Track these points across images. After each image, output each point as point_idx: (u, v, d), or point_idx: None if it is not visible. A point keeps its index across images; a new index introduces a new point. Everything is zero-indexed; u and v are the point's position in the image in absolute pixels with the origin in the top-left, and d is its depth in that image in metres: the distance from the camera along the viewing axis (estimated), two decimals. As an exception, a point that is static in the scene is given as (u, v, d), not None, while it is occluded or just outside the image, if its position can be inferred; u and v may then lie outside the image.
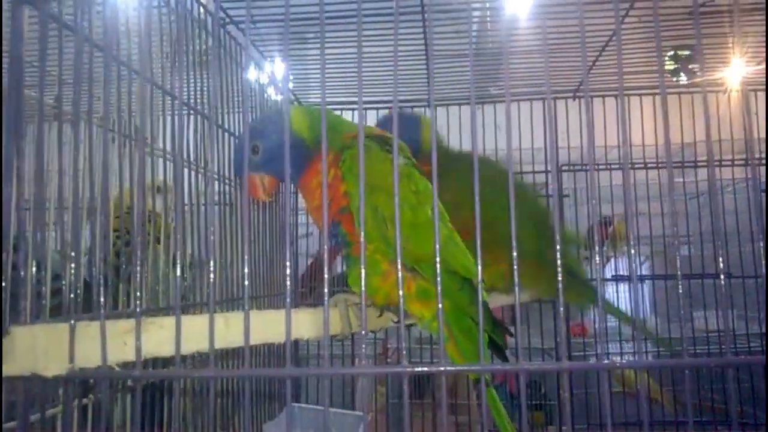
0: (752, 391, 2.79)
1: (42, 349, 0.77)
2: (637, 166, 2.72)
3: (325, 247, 0.85)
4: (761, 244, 0.82)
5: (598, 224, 3.46)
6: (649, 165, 2.75)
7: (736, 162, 2.83)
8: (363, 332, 0.76)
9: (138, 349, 0.77)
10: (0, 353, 0.75)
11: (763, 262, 0.81)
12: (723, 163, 2.82)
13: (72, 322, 0.78)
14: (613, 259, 3.72)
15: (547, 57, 0.85)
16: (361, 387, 2.84)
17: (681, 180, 3.04)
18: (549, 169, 2.71)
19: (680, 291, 0.82)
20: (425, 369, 0.76)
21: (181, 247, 1.02)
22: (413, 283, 1.24)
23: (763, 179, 3.00)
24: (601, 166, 2.73)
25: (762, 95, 2.76)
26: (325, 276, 0.76)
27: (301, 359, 3.42)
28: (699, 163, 2.83)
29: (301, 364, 3.22)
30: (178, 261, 0.86)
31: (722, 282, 0.87)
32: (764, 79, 2.75)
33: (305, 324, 1.10)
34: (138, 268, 0.87)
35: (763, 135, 2.80)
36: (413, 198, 1.23)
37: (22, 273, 0.82)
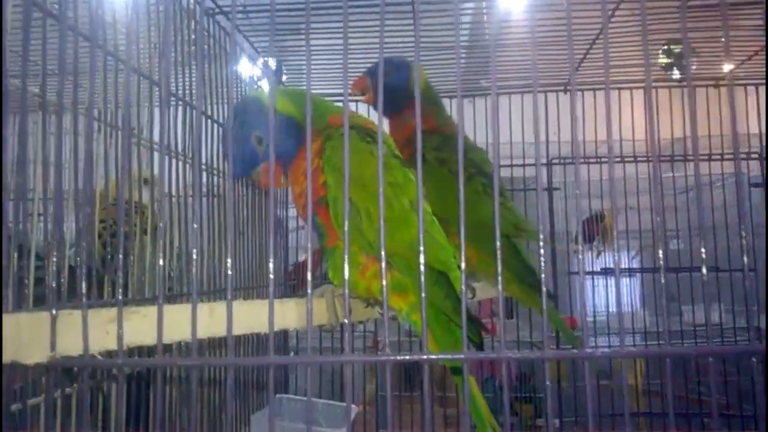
0: (738, 383, 2.82)
1: (24, 338, 0.77)
2: (626, 159, 2.73)
3: (310, 238, 0.85)
4: (744, 238, 0.82)
5: (589, 219, 3.48)
6: (637, 158, 2.76)
7: (721, 156, 2.83)
8: (347, 321, 0.76)
9: (120, 338, 0.76)
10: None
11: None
12: (712, 157, 2.83)
13: (53, 310, 0.78)
14: (604, 253, 3.75)
15: (535, 50, 0.86)
16: (349, 379, 2.85)
17: (670, 175, 3.05)
18: (538, 162, 2.70)
19: (662, 282, 0.82)
20: (407, 357, 0.76)
21: (167, 238, 1.02)
22: (389, 276, 1.23)
23: (754, 173, 3.01)
24: (591, 160, 2.73)
25: (752, 90, 2.77)
26: (308, 264, 0.76)
27: (291, 351, 3.43)
28: (686, 157, 2.84)
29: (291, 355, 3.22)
30: (163, 250, 0.86)
31: (703, 274, 0.88)
32: (755, 75, 2.77)
33: (291, 314, 1.10)
34: (123, 259, 0.87)
35: (754, 130, 2.82)
36: (390, 190, 1.23)
37: (5, 262, 0.82)
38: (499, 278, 0.78)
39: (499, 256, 0.77)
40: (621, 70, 2.65)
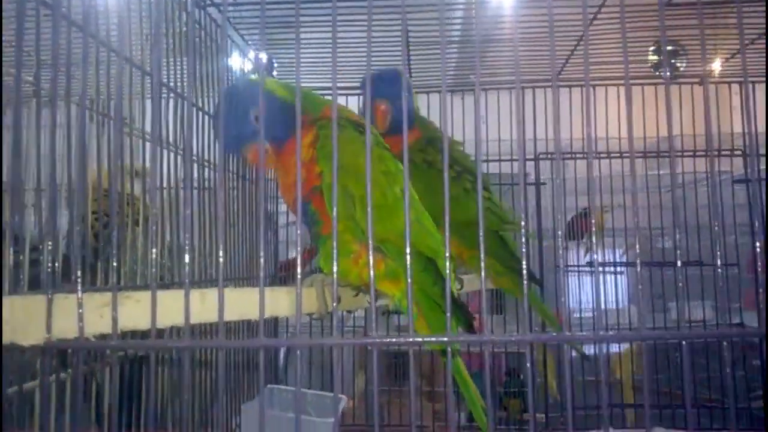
0: (720, 378, 2.87)
1: (20, 320, 0.79)
2: (611, 155, 2.76)
3: (299, 224, 0.87)
4: (714, 233, 0.85)
5: (577, 216, 3.52)
6: (611, 155, 2.77)
7: (694, 153, 2.85)
8: (334, 303, 0.78)
9: (114, 320, 0.78)
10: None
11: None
12: (685, 154, 2.83)
13: (49, 293, 0.80)
14: (591, 251, 3.78)
15: (516, 46, 0.88)
16: (338, 362, 2.89)
17: (657, 173, 3.09)
18: (522, 157, 2.72)
19: (638, 271, 0.85)
20: (393, 340, 0.79)
21: (159, 227, 1.04)
22: (382, 263, 1.26)
23: (738, 172, 3.06)
24: (577, 155, 2.76)
25: (736, 88, 2.81)
26: (297, 243, 0.79)
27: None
28: (659, 154, 2.87)
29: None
30: (155, 239, 0.88)
31: (677, 266, 0.91)
32: (740, 73, 2.80)
33: (282, 302, 1.12)
34: (115, 245, 0.89)
35: (738, 129, 2.85)
36: (383, 179, 1.25)
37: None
38: (482, 265, 0.81)
39: (482, 249, 0.80)
40: (611, 67, 2.68)
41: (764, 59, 2.52)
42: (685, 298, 2.98)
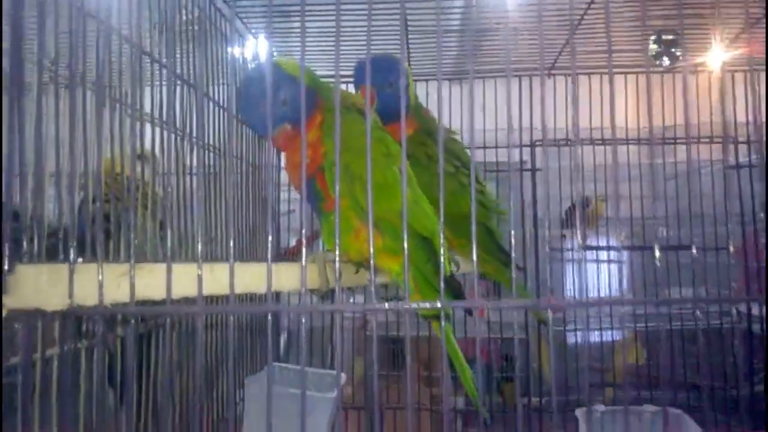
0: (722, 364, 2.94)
1: (44, 287, 0.85)
2: (596, 143, 2.79)
3: (304, 199, 0.94)
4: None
5: (573, 205, 3.57)
6: (594, 141, 2.80)
7: (674, 140, 2.87)
8: (337, 271, 0.84)
9: (132, 286, 0.85)
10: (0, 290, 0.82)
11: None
12: (667, 141, 2.87)
13: (71, 262, 0.86)
14: (589, 238, 3.85)
15: (512, 35, 0.94)
16: (340, 350, 2.96)
17: (659, 161, 3.13)
18: (508, 142, 2.76)
19: (614, 254, 0.91)
20: (389, 307, 0.85)
21: (169, 207, 1.11)
22: (381, 239, 1.33)
23: (741, 161, 3.10)
24: (561, 143, 2.78)
25: (739, 76, 2.84)
26: (301, 216, 0.85)
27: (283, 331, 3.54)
28: (640, 141, 2.91)
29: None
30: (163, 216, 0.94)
31: (657, 252, 0.97)
32: (743, 62, 2.84)
33: (286, 276, 1.18)
34: (126, 229, 0.95)
35: (741, 118, 2.89)
36: (383, 160, 1.32)
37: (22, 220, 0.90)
38: (474, 249, 0.87)
39: (474, 241, 0.86)
40: (616, 54, 2.72)
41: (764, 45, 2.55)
42: (689, 285, 3.04)
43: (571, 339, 3.32)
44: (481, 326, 3.34)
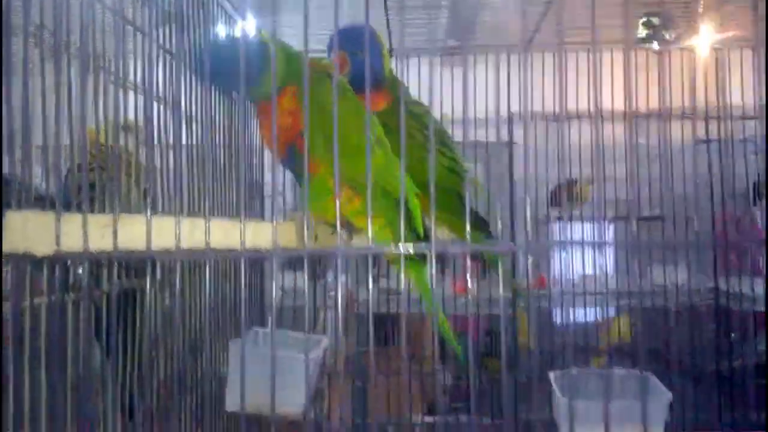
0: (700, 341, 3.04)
1: (32, 233, 0.91)
2: (581, 117, 2.83)
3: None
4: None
5: (559, 185, 3.64)
6: (581, 117, 2.83)
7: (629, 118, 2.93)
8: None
9: (115, 233, 0.91)
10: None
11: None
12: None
13: (58, 211, 0.92)
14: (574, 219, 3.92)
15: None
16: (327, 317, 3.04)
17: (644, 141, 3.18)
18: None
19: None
20: (385, 250, 0.92)
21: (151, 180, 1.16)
22: (358, 201, 1.39)
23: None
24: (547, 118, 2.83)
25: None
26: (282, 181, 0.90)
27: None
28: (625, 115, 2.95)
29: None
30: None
31: (633, 226, 1.03)
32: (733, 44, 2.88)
33: (264, 234, 1.23)
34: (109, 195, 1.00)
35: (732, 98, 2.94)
36: (357, 123, 1.37)
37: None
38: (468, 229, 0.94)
39: (467, 214, 0.92)
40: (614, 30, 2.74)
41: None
42: (670, 263, 3.13)
43: (557, 319, 3.41)
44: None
